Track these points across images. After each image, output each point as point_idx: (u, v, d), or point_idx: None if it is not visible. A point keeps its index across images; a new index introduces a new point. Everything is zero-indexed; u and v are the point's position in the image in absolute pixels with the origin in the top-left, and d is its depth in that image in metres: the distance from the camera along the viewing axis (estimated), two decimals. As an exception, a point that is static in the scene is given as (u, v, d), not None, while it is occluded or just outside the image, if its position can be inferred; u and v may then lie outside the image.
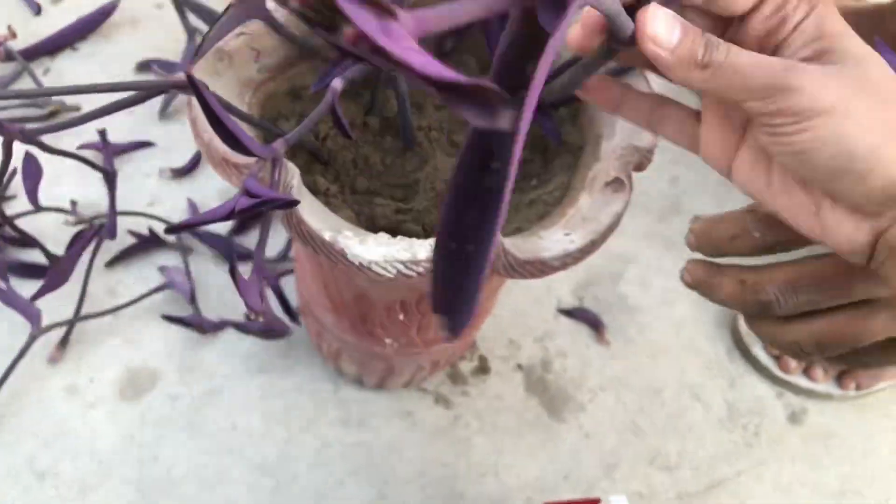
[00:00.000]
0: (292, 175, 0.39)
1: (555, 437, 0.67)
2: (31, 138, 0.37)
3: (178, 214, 0.74)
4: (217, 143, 0.39)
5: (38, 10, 0.86)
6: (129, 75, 0.83)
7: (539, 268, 0.39)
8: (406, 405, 0.66)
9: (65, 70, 0.83)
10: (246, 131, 0.37)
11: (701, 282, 0.37)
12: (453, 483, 0.63)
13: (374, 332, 0.54)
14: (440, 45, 0.52)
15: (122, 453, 0.61)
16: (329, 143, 0.48)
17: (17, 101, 0.76)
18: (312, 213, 0.39)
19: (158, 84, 0.36)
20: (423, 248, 0.38)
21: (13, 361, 0.61)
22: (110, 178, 0.49)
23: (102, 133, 0.60)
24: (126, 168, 0.76)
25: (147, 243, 0.70)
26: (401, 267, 0.38)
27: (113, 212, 0.52)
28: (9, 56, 0.79)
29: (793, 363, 0.72)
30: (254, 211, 0.35)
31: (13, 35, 0.78)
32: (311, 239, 0.38)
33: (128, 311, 0.68)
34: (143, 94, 0.36)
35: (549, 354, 0.71)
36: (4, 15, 0.86)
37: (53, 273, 0.49)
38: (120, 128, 0.76)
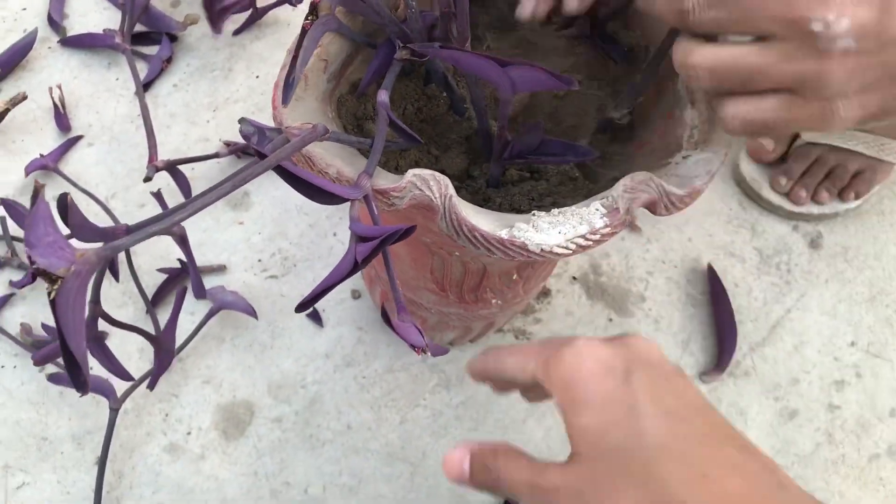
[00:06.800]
0: (446, 185, 0.38)
1: (630, 331, 0.70)
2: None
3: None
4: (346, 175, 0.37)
5: None
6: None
7: (694, 197, 0.40)
8: (492, 350, 0.68)
9: None
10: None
11: None
12: (563, 406, 0.66)
13: (483, 297, 0.54)
14: None
15: (254, 491, 0.60)
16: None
17: None
18: (477, 215, 0.38)
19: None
20: (597, 216, 0.38)
21: (105, 441, 0.58)
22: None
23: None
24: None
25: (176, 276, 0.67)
26: (580, 241, 0.38)
27: (196, 272, 0.49)
28: None
29: (802, 193, 0.77)
30: (377, 252, 0.33)
31: None
32: (482, 240, 0.38)
33: (191, 350, 0.65)
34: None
35: (594, 258, 0.74)
36: None
37: (162, 353, 0.46)
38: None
